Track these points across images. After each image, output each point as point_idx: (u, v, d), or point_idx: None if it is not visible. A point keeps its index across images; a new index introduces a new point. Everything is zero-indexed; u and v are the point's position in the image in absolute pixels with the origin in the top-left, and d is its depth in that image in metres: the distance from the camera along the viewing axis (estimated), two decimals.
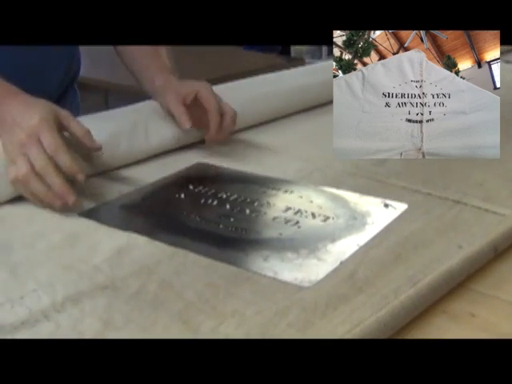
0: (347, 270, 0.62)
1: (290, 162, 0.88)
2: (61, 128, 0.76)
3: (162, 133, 0.92)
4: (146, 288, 0.60)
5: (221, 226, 0.71)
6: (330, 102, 1.10)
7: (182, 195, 0.80)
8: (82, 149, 0.80)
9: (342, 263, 0.64)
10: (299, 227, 0.71)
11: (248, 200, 0.78)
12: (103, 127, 0.88)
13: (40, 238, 0.70)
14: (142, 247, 0.67)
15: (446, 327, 0.56)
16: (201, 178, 0.85)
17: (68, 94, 1.06)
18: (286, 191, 0.80)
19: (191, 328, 0.55)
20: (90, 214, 0.75)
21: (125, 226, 0.72)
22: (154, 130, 0.92)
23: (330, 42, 0.83)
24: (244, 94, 1.03)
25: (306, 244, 0.68)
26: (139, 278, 0.62)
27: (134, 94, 1.01)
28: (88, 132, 0.77)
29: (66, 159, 0.72)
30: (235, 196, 0.79)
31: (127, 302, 0.58)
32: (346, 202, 0.77)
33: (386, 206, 0.75)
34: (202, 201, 0.78)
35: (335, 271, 0.62)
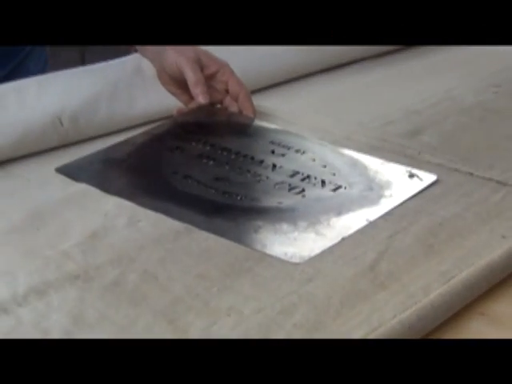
0: (367, 260, 0.63)
1: (303, 132, 0.88)
2: None
3: (149, 99, 0.92)
4: (124, 279, 0.61)
5: (213, 191, 0.74)
6: (353, 62, 1.12)
7: (177, 150, 0.82)
8: None
9: (344, 240, 0.65)
10: (304, 196, 0.73)
11: (252, 159, 0.80)
12: (77, 88, 0.88)
13: None
14: (120, 230, 0.68)
15: (486, 332, 0.56)
16: (202, 126, 0.87)
17: (31, 47, 1.06)
18: (297, 151, 0.82)
19: (178, 328, 0.55)
20: (68, 170, 0.78)
21: (106, 187, 0.74)
22: (139, 94, 0.92)
23: (330, 42, 0.86)
24: (250, 51, 1.03)
25: (306, 216, 0.69)
26: (117, 267, 0.62)
27: (116, 51, 1.01)
28: None
29: None
30: (238, 153, 0.81)
31: (102, 295, 0.59)
32: (365, 168, 0.78)
33: (411, 176, 0.76)
34: (199, 158, 0.80)
35: (349, 259, 0.63)
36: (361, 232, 0.67)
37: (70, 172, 0.78)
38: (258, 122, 0.89)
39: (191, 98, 0.90)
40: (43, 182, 0.77)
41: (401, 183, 0.75)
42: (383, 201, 0.72)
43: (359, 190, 0.74)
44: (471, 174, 0.78)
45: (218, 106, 0.92)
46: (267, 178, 0.76)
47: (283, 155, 0.81)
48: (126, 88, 0.91)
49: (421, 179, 0.76)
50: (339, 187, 0.75)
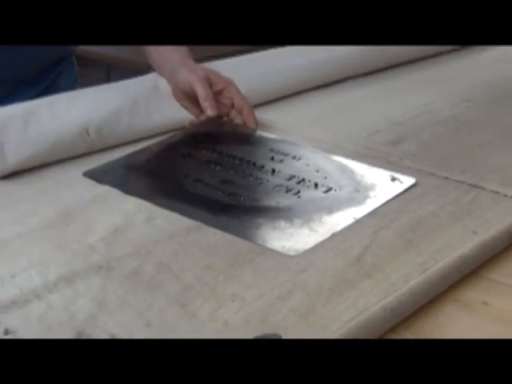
0: (354, 253, 0.63)
1: (299, 141, 0.88)
2: None
3: (165, 112, 0.92)
4: (142, 269, 0.61)
5: (220, 193, 0.74)
6: (344, 79, 1.12)
7: (188, 156, 0.82)
8: None
9: (334, 235, 0.66)
10: (299, 197, 0.73)
11: (254, 165, 0.80)
12: (102, 102, 0.88)
13: (33, 214, 0.70)
14: (139, 227, 0.68)
15: (457, 316, 0.56)
16: (211, 136, 0.87)
17: (63, 67, 1.07)
18: (294, 157, 0.82)
19: (188, 312, 0.55)
20: (93, 174, 0.78)
21: (127, 189, 0.75)
22: (156, 108, 0.92)
23: (331, 42, 0.83)
24: (253, 70, 1.03)
25: (301, 214, 0.70)
26: (136, 259, 0.62)
27: (138, 71, 1.01)
28: None
29: None
30: (242, 159, 0.81)
31: (122, 283, 0.59)
32: (352, 173, 0.78)
33: (393, 179, 0.76)
34: (207, 164, 0.80)
35: (338, 251, 0.63)
36: (349, 228, 0.67)
37: (96, 176, 0.78)
38: (260, 133, 0.89)
39: (201, 111, 0.90)
40: (72, 184, 0.77)
41: (384, 186, 0.75)
42: (368, 201, 0.72)
43: (347, 191, 0.74)
44: (446, 178, 0.78)
45: (225, 118, 0.92)
46: (267, 181, 0.77)
47: (281, 161, 0.81)
48: (145, 103, 0.91)
49: (401, 182, 0.76)
50: (330, 189, 0.75)
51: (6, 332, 0.52)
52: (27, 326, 0.53)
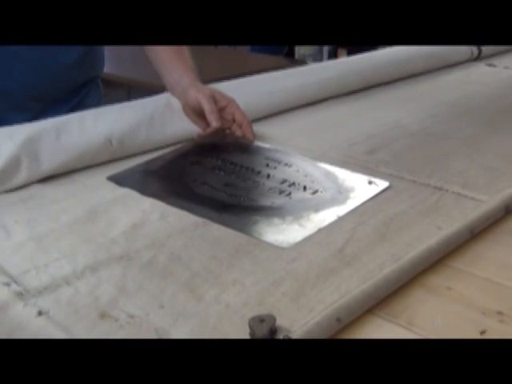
0: (337, 245, 0.62)
1: (290, 150, 0.88)
2: None
3: (177, 126, 0.92)
4: (157, 259, 0.60)
5: (223, 194, 0.73)
6: (328, 99, 1.12)
7: (196, 163, 0.82)
8: None
9: (320, 230, 0.65)
10: (290, 198, 0.72)
11: (252, 170, 0.79)
12: (123, 117, 0.88)
13: (64, 212, 0.70)
14: (154, 223, 0.67)
15: (425, 299, 0.56)
16: (216, 146, 0.87)
17: (90, 87, 1.06)
18: (286, 164, 0.81)
19: (196, 296, 0.55)
20: (115, 178, 0.78)
21: (144, 191, 0.74)
22: (169, 122, 0.91)
23: (331, 42, 0.80)
24: (251, 90, 1.03)
25: (292, 212, 0.69)
26: (151, 251, 0.62)
27: (154, 91, 1.01)
28: None
29: None
30: (242, 165, 0.81)
31: (140, 271, 0.58)
32: (336, 177, 0.78)
33: (370, 182, 0.76)
34: (212, 169, 0.80)
35: (323, 244, 0.62)
36: (332, 224, 0.67)
37: (117, 179, 0.78)
38: (257, 143, 0.89)
39: (207, 125, 0.89)
40: (97, 187, 0.77)
41: (362, 188, 0.75)
42: (349, 201, 0.72)
43: (331, 193, 0.74)
44: (415, 182, 0.77)
45: (227, 131, 0.91)
46: (263, 184, 0.76)
47: (275, 167, 0.80)
48: (160, 118, 0.91)
49: (377, 185, 0.75)
50: (317, 191, 0.74)
51: (40, 313, 0.52)
52: (58, 308, 0.53)
